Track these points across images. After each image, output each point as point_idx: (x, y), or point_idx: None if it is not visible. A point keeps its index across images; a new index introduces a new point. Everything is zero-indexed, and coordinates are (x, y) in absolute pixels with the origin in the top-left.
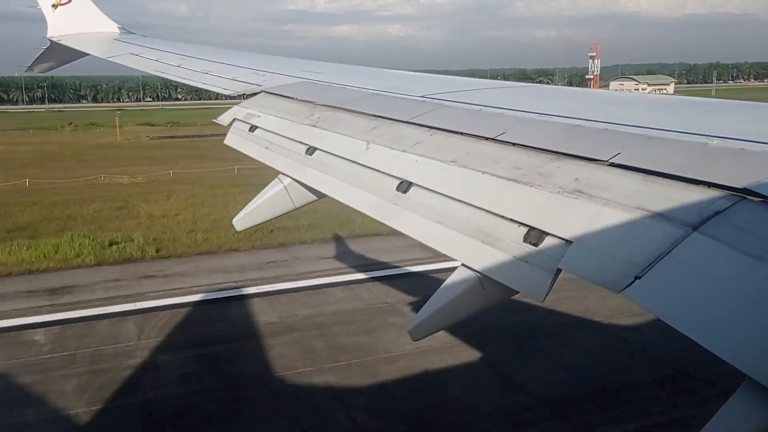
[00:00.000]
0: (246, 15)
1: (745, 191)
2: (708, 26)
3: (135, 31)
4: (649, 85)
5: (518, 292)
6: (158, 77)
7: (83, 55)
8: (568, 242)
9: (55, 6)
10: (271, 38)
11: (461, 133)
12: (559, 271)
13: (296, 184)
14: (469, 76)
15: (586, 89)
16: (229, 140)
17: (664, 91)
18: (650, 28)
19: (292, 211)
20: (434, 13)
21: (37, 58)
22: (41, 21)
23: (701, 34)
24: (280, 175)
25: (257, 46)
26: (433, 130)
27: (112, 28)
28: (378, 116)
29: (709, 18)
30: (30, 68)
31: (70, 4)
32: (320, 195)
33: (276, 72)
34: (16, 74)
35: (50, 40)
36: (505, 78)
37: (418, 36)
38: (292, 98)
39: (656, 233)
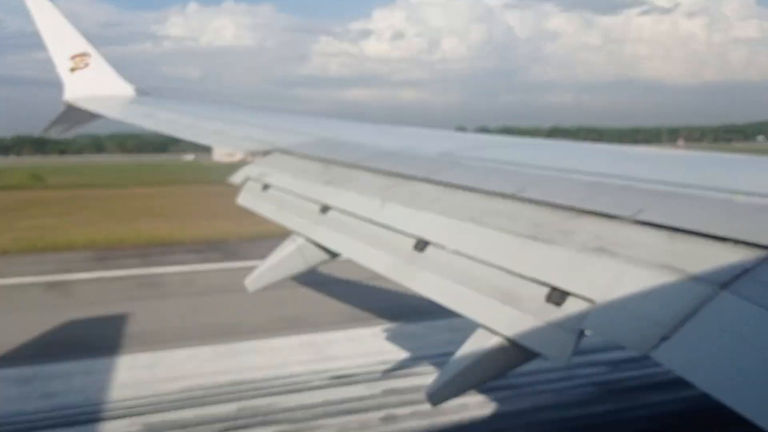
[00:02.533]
0: (256, 79)
1: None
2: (727, 92)
3: (150, 92)
4: None
5: (540, 355)
6: None
7: (99, 116)
8: (592, 302)
9: (73, 70)
10: (282, 102)
11: (478, 190)
12: (582, 332)
13: (309, 243)
14: (481, 131)
15: (604, 145)
16: (242, 199)
17: None
18: (667, 94)
19: (306, 270)
20: (448, 78)
21: (55, 120)
22: (49, 84)
23: (719, 99)
24: (293, 234)
25: (268, 108)
26: (450, 188)
27: (128, 90)
28: (393, 174)
29: (728, 84)
30: (47, 130)
31: (88, 68)
32: (334, 254)
33: (289, 130)
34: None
35: (67, 103)
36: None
37: (430, 100)
38: (306, 156)
39: (683, 292)
